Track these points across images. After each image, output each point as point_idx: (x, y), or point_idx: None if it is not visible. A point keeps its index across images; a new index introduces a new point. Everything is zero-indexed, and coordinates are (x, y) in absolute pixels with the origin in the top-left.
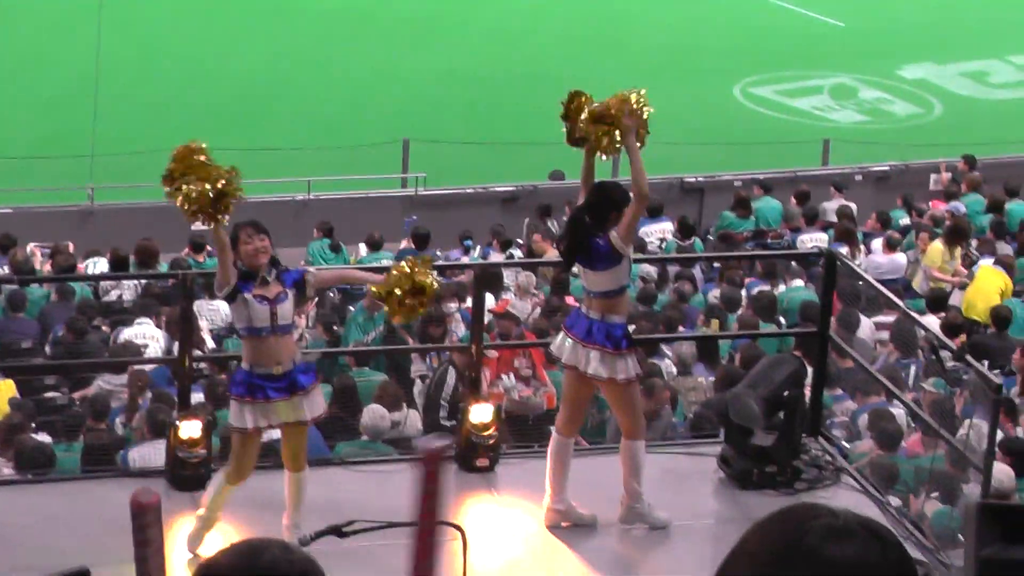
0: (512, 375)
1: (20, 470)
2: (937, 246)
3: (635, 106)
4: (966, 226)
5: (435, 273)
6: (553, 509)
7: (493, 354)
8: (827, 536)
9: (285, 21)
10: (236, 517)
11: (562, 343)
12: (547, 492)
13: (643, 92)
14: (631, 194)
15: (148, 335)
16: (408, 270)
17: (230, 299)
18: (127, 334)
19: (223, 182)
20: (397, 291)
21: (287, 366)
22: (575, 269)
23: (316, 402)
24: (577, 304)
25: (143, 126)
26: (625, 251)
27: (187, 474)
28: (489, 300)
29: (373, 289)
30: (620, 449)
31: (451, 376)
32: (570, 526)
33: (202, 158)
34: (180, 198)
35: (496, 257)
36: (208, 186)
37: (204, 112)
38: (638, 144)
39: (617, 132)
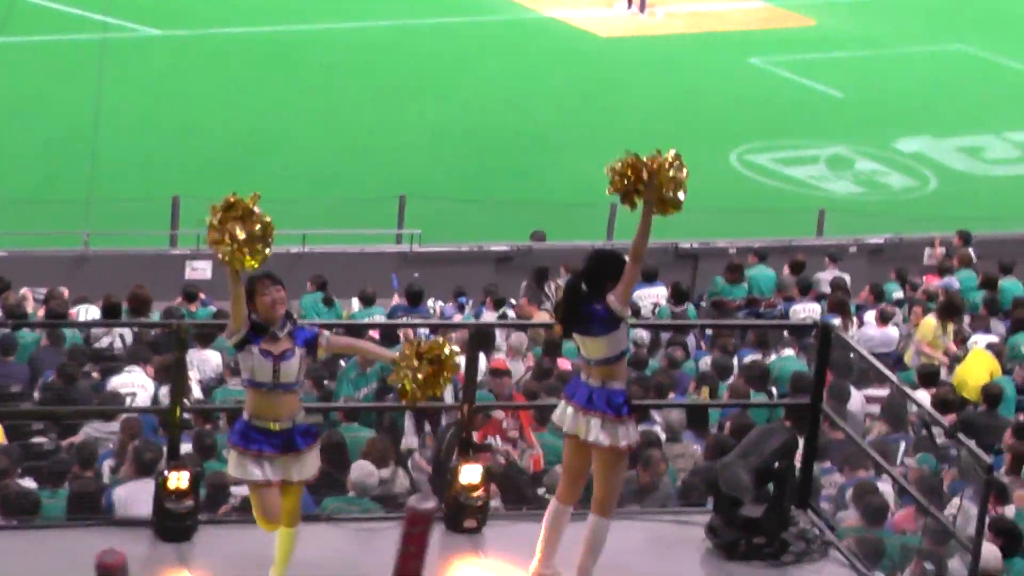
0: (499, 437)
1: (5, 516)
2: (930, 321)
3: (662, 176)
4: (959, 302)
5: (452, 345)
6: (539, 574)
7: (501, 414)
8: None
9: (283, 74)
10: (219, 571)
11: (563, 412)
12: (536, 556)
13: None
14: (626, 257)
15: (137, 383)
16: (416, 350)
17: (239, 347)
18: (116, 382)
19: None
20: (408, 369)
21: (285, 424)
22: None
23: (308, 465)
24: (571, 368)
25: (140, 174)
26: (624, 314)
27: (174, 525)
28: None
29: (392, 378)
30: (587, 524)
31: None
32: None
33: (252, 207)
34: (227, 236)
35: (489, 316)
36: (256, 227)
37: (200, 162)
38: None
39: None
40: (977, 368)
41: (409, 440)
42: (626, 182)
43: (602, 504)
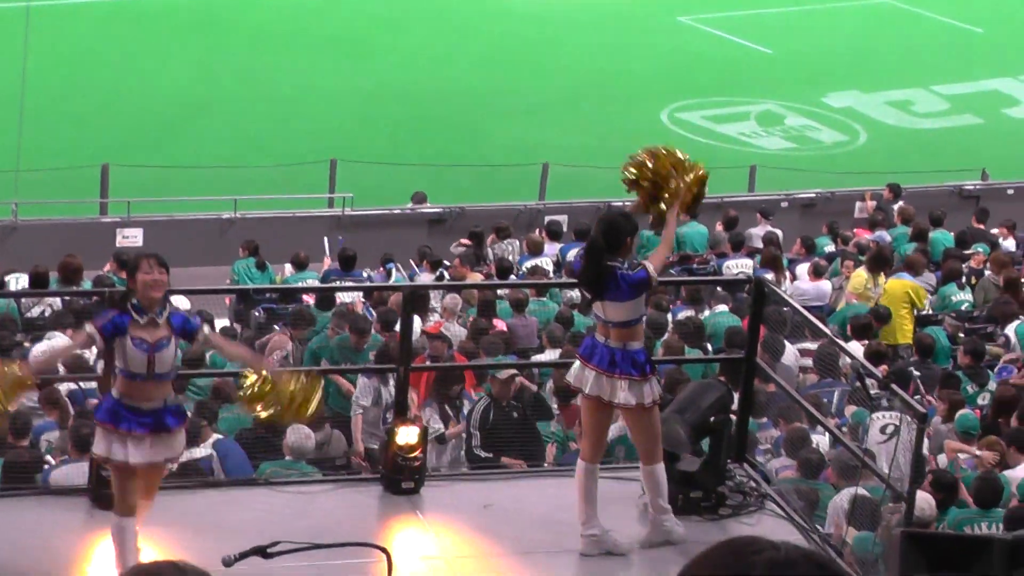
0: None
1: None
2: (861, 273)
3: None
4: (889, 254)
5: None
6: (587, 536)
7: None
8: (771, 569)
9: (210, 39)
10: (160, 536)
11: (581, 374)
12: (580, 519)
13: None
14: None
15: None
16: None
17: (108, 342)
18: (37, 349)
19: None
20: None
21: (157, 404)
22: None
23: (175, 444)
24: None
25: (68, 142)
26: (656, 283)
27: (110, 492)
28: (416, 322)
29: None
30: (642, 475)
31: (485, 406)
32: (604, 553)
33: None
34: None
35: (426, 278)
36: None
37: (129, 129)
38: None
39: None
40: (896, 290)
41: (433, 424)
42: (649, 186)
43: (647, 455)
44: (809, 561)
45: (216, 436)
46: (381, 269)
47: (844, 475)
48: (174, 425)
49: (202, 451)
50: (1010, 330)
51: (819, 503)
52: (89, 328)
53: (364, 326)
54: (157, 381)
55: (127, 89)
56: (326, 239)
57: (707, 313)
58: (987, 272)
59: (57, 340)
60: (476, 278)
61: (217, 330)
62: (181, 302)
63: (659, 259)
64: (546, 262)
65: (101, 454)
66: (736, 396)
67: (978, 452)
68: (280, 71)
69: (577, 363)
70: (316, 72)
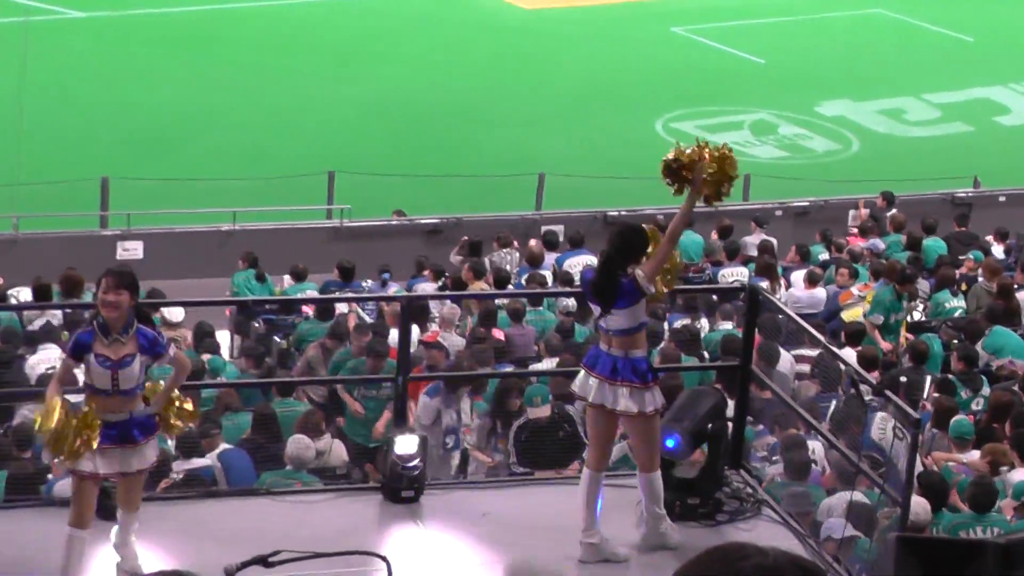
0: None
1: None
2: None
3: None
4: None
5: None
6: (586, 543)
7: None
8: (759, 573)
9: (209, 53)
10: (162, 545)
11: (585, 382)
12: (582, 526)
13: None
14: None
15: (54, 358)
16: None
17: (80, 361)
18: (33, 360)
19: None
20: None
21: (123, 416)
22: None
23: (146, 454)
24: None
25: (67, 156)
26: (648, 290)
27: (112, 503)
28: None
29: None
30: (639, 483)
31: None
32: (602, 561)
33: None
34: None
35: (429, 287)
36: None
37: (128, 142)
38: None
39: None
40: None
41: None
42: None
43: (645, 463)
44: (796, 567)
45: (224, 446)
46: (376, 280)
47: (843, 480)
48: (140, 438)
49: (205, 461)
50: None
51: (813, 506)
52: (64, 357)
53: (382, 349)
54: (122, 396)
55: (126, 102)
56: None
57: (703, 322)
58: (980, 279)
59: (51, 352)
60: (480, 286)
61: (219, 341)
62: (175, 314)
63: (654, 263)
64: (544, 272)
65: (68, 466)
66: (732, 403)
67: (964, 459)
68: (277, 84)
69: (582, 372)
70: (313, 84)
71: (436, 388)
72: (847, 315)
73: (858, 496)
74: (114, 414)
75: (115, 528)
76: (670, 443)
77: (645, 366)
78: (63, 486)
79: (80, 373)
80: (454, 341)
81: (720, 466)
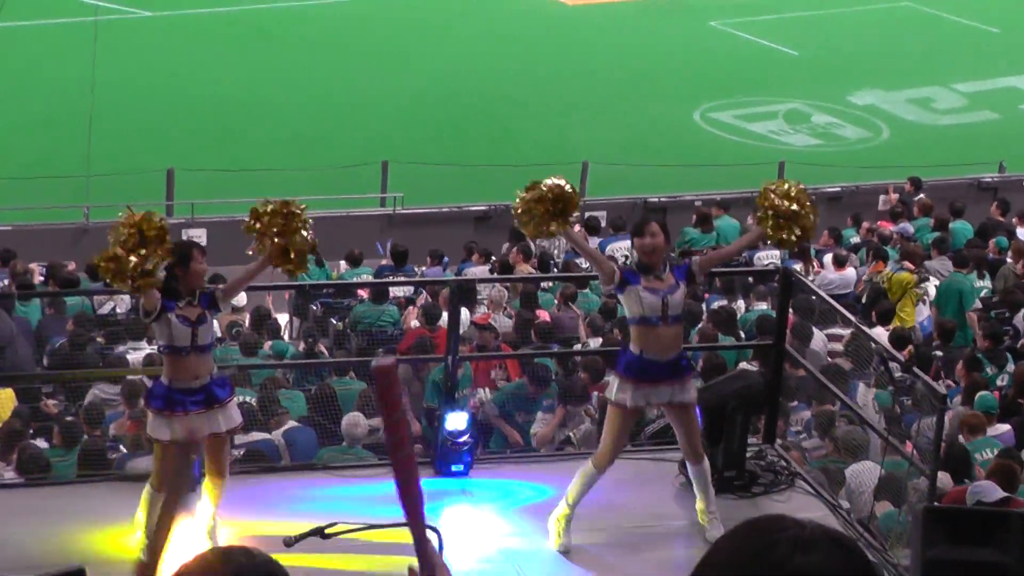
0: (487, 388)
1: (20, 474)
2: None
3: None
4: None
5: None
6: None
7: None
8: (794, 547)
9: (267, 49)
10: (219, 521)
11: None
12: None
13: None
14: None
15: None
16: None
17: (156, 318)
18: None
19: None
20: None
21: (204, 380)
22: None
23: (232, 415)
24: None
25: (135, 148)
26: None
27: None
28: (464, 314)
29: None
30: (581, 468)
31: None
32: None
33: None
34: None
35: (478, 270)
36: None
37: (189, 133)
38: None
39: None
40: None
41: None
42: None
43: (598, 455)
44: (832, 541)
45: (291, 423)
46: (432, 264)
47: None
48: (224, 396)
49: (266, 435)
50: (1019, 319)
51: (844, 480)
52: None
53: (545, 375)
54: (199, 354)
55: (189, 97)
56: (379, 243)
57: (741, 304)
58: (1008, 260)
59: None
60: (527, 269)
61: (282, 324)
62: (239, 298)
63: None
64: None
65: (163, 439)
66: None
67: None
68: (333, 78)
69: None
70: (366, 77)
71: (552, 407)
72: (897, 279)
73: (888, 467)
74: (196, 379)
75: (200, 499)
76: None
77: (624, 359)
78: (136, 463)
79: (151, 348)
80: (503, 322)
81: (736, 445)
